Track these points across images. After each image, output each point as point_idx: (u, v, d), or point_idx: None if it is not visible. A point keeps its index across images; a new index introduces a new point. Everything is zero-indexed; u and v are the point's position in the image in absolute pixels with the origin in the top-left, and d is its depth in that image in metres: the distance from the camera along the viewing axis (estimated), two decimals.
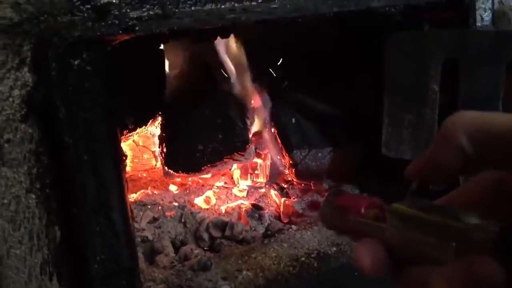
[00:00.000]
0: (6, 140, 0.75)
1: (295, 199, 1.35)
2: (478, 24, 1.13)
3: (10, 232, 0.79)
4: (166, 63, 1.32)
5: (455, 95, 1.10)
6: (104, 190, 0.82)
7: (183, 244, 1.24)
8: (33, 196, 0.78)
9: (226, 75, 1.36)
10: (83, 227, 0.81)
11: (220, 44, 1.39)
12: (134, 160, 1.62)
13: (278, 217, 1.34)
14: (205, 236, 1.23)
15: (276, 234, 1.20)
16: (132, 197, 1.39)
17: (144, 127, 1.29)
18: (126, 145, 1.55)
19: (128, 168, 1.59)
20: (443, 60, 1.06)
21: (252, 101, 1.44)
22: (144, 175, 1.60)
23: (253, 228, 1.28)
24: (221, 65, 1.38)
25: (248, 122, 1.39)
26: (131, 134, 1.26)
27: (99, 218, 0.83)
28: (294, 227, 1.24)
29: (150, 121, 1.28)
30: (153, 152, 1.53)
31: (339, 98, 1.56)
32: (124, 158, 0.91)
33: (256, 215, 1.30)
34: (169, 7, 0.79)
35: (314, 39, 1.58)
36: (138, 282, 0.91)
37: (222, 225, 1.23)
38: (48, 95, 0.74)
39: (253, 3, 0.87)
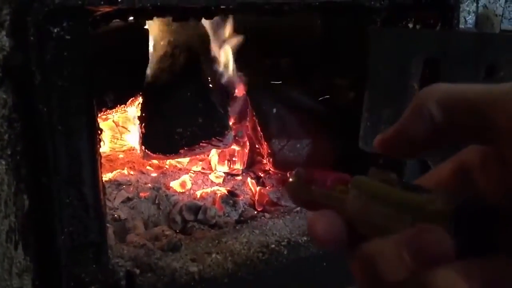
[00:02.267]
0: None
1: (271, 189, 1.36)
2: (462, 26, 1.14)
3: None
4: (151, 43, 1.32)
5: None
6: (76, 162, 0.82)
7: (156, 225, 1.24)
8: (3, 162, 0.77)
9: (211, 60, 1.36)
10: (52, 198, 0.80)
11: (208, 30, 1.38)
12: (113, 141, 1.61)
13: (252, 205, 1.34)
14: (178, 218, 1.23)
15: (249, 221, 1.20)
16: (108, 176, 1.38)
17: (123, 106, 1.28)
18: (105, 125, 1.54)
19: (106, 148, 1.58)
20: (424, 59, 1.07)
21: (235, 89, 1.45)
22: (122, 156, 1.59)
23: (227, 214, 1.28)
24: (207, 50, 1.38)
25: (229, 108, 1.39)
26: (109, 112, 1.25)
27: (69, 190, 0.82)
28: (267, 215, 1.24)
29: (130, 100, 1.27)
30: (132, 134, 1.52)
31: (321, 92, 1.58)
32: (99, 132, 0.91)
33: (231, 201, 1.30)
34: None
35: (301, 33, 1.59)
36: (105, 257, 0.91)
37: (195, 209, 1.23)
38: (25, 61, 0.73)
39: None
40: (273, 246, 1.09)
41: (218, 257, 1.04)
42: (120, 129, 1.61)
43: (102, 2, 0.75)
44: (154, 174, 1.41)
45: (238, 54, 1.50)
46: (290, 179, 0.38)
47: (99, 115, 1.25)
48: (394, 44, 1.10)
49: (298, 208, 1.27)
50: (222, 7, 0.84)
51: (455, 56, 1.04)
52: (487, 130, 0.28)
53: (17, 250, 0.82)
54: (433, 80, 1.08)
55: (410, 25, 1.17)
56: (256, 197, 1.35)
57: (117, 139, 1.62)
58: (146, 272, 0.98)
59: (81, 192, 0.84)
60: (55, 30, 0.75)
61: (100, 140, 0.92)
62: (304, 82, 1.64)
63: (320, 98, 1.53)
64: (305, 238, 1.12)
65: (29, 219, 0.81)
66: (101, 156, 0.90)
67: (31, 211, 0.81)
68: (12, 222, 0.80)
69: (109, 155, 1.58)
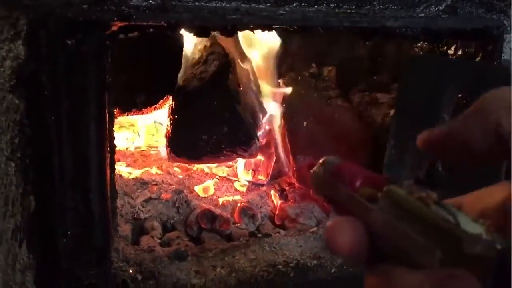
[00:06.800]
0: None
1: (292, 204, 1.34)
2: (507, 57, 1.06)
3: None
4: (189, 46, 1.33)
5: None
6: (82, 171, 0.84)
7: (174, 229, 1.26)
8: (13, 164, 0.81)
9: (245, 69, 1.36)
10: (56, 202, 0.83)
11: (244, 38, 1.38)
12: (149, 136, 1.64)
13: (273, 218, 1.33)
14: (194, 225, 1.24)
15: (262, 237, 1.19)
16: (135, 174, 1.41)
17: (154, 108, 1.30)
18: (143, 119, 1.58)
19: (141, 143, 1.62)
20: (458, 91, 1.01)
21: (270, 99, 1.44)
22: (156, 152, 1.62)
23: (245, 225, 1.28)
24: (242, 59, 1.38)
25: (260, 118, 1.38)
26: (139, 112, 1.27)
27: (75, 196, 0.85)
28: (282, 232, 1.23)
29: (160, 102, 1.29)
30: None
31: (361, 106, 1.54)
32: (113, 139, 0.92)
33: (250, 212, 1.29)
34: (170, 0, 0.79)
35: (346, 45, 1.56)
36: (107, 262, 0.94)
37: (211, 217, 1.23)
38: (36, 71, 0.76)
39: (261, 6, 0.85)
40: (280, 266, 1.08)
41: (222, 272, 1.04)
42: (157, 125, 1.64)
43: (115, 18, 0.76)
44: (180, 176, 1.43)
45: (280, 61, 1.50)
46: (315, 168, 0.34)
47: (128, 115, 1.29)
48: (427, 72, 1.04)
49: (315, 228, 1.24)
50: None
51: (488, 91, 0.97)
52: None
53: (21, 247, 0.85)
54: None
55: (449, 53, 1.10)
56: (277, 211, 1.33)
57: (153, 134, 1.66)
58: (149, 279, 0.99)
59: (86, 199, 0.86)
60: (69, 42, 0.77)
61: (114, 148, 0.94)
62: (345, 95, 1.61)
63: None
64: (315, 262, 1.10)
65: (34, 219, 0.84)
66: (112, 166, 0.92)
67: (37, 212, 0.84)
68: (18, 221, 0.84)
69: (143, 150, 1.61)
